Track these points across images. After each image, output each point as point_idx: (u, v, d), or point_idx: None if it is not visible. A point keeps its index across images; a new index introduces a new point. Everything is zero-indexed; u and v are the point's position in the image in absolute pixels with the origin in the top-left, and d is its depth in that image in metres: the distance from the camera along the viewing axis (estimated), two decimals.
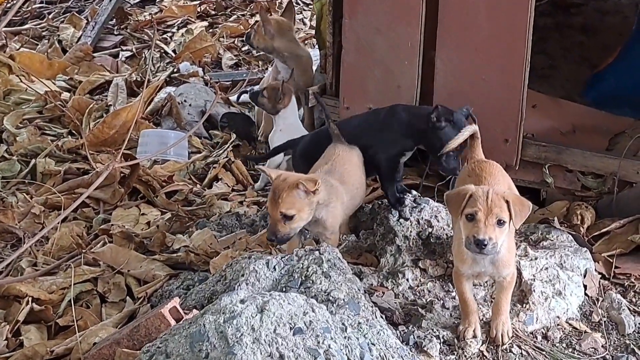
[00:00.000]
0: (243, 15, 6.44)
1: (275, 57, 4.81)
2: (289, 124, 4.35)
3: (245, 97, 4.83)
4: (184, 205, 4.14)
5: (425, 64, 4.15)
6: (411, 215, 3.44)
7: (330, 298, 2.82)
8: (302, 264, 2.94)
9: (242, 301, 2.50)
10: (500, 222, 2.72)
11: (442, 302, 3.13)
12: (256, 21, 6.09)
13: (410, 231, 3.41)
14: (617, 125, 4.14)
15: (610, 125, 4.10)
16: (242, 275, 2.93)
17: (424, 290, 3.18)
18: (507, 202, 2.73)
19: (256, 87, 5.00)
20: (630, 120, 4.17)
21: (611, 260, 3.50)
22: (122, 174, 4.24)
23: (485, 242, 2.69)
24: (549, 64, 5.06)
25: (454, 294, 3.11)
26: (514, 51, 3.89)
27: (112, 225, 3.90)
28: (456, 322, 3.01)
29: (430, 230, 3.41)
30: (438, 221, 3.46)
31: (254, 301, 2.49)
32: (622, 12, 5.75)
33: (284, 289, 2.86)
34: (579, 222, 3.70)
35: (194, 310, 2.82)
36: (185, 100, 5.01)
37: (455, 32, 4.03)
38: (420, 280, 3.21)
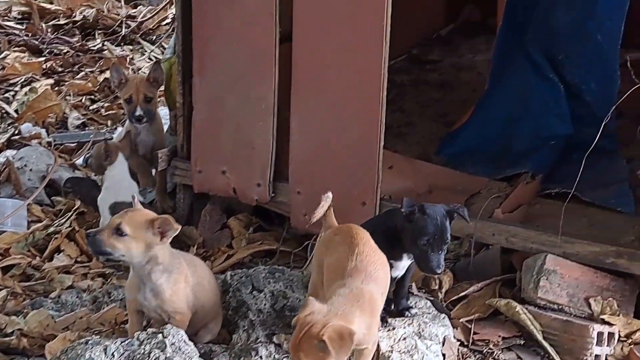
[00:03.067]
0: (92, 71, 6.25)
1: None
2: (115, 182, 4.22)
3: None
4: (21, 281, 3.91)
5: (280, 124, 4.10)
6: (265, 287, 3.34)
7: None
8: (144, 349, 2.78)
9: None
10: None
11: None
12: (105, 78, 5.97)
13: (265, 303, 3.30)
14: (472, 186, 4.15)
15: (466, 186, 4.11)
16: None
17: None
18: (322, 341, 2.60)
19: None
20: (485, 180, 4.19)
21: (469, 326, 3.48)
22: None
23: None
24: (405, 121, 5.08)
25: None
26: (369, 111, 3.87)
27: None
28: None
29: (285, 301, 3.31)
30: (293, 291, 3.37)
31: None
32: (476, 68, 5.87)
33: None
34: (437, 287, 3.68)
35: None
36: (25, 165, 4.79)
37: (309, 92, 3.99)
38: (274, 357, 3.09)
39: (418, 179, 4.17)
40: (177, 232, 3.00)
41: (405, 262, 3.32)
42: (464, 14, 6.75)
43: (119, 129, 5.17)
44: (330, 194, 3.23)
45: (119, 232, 2.97)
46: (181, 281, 3.10)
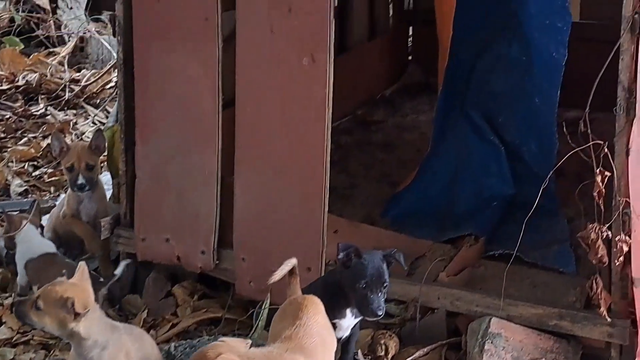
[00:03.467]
0: (35, 137, 6.21)
1: None
2: (28, 239, 4.26)
3: None
4: None
5: (224, 190, 4.10)
6: None
7: None
8: None
9: None
10: None
11: None
12: (48, 144, 5.93)
13: None
14: (417, 249, 4.18)
15: (411, 249, 4.13)
16: None
17: None
18: None
19: (46, 216, 4.79)
20: (429, 243, 4.23)
21: None
22: None
23: None
24: (350, 183, 5.12)
25: None
26: (313, 175, 3.89)
27: None
28: None
29: None
30: None
31: None
32: (420, 128, 5.94)
33: None
34: (383, 353, 3.67)
35: None
36: None
37: (253, 157, 4.01)
38: None
39: (363, 243, 4.17)
40: (87, 312, 2.97)
41: (349, 321, 3.33)
42: (407, 74, 6.85)
43: (62, 195, 5.13)
44: (294, 260, 3.23)
45: (36, 305, 2.96)
46: (120, 357, 3.06)
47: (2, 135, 6.26)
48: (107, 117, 6.33)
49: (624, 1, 3.46)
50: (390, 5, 6.83)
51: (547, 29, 3.91)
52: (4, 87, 6.88)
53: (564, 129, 3.64)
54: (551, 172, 3.83)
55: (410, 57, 7.01)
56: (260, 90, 3.96)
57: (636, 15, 3.44)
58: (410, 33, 7.07)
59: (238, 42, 3.98)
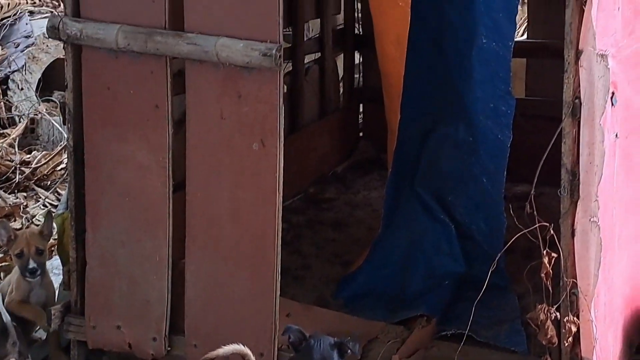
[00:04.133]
0: None
1: None
2: None
3: None
4: None
5: (175, 275, 4.10)
6: None
7: None
8: None
9: None
10: None
11: None
12: None
13: None
14: (369, 330, 4.18)
15: (363, 331, 4.14)
16: None
17: None
18: None
19: None
20: (381, 325, 4.24)
21: None
22: None
23: None
24: (302, 263, 5.13)
25: None
26: (264, 260, 3.91)
27: None
28: None
29: None
30: None
31: None
32: (371, 205, 5.99)
33: None
34: None
35: None
36: None
37: (204, 242, 4.02)
38: None
39: (316, 326, 4.18)
40: None
41: None
42: (358, 150, 6.92)
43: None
44: (244, 348, 3.24)
45: None
46: None
47: None
48: (58, 200, 6.32)
49: (564, 87, 3.56)
50: (341, 84, 6.91)
51: (491, 112, 4.01)
52: None
53: (512, 207, 3.73)
54: (500, 253, 3.88)
55: (361, 134, 7.08)
56: (210, 175, 3.99)
57: (576, 100, 3.54)
58: (361, 110, 7.14)
59: (188, 128, 4.01)
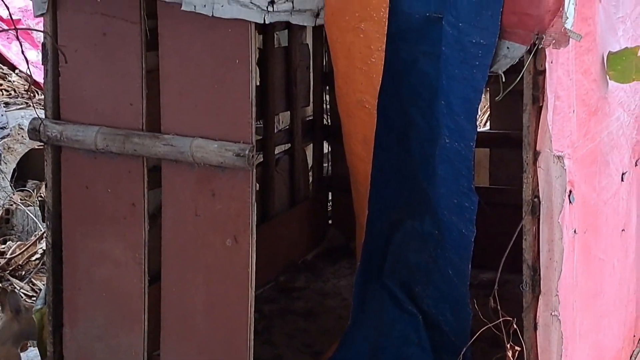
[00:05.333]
0: None
1: None
2: None
3: None
4: None
5: None
6: None
7: None
8: None
9: None
10: None
11: None
12: None
13: None
14: None
15: None
16: None
17: None
18: None
19: None
20: None
21: None
22: None
23: None
24: (274, 353, 5.19)
25: None
26: (237, 352, 3.98)
27: None
28: None
29: None
30: None
31: None
32: (341, 294, 6.07)
33: None
34: None
35: None
36: None
37: (178, 335, 4.10)
38: None
39: None
40: None
41: None
42: (327, 238, 7.02)
43: None
44: None
45: None
46: None
47: None
48: (33, 290, 6.37)
49: (524, 186, 3.72)
50: (310, 173, 7.04)
51: (455, 208, 4.11)
52: None
53: (479, 295, 3.85)
54: (467, 345, 3.99)
55: (330, 221, 7.19)
56: (185, 270, 4.09)
57: (535, 199, 3.69)
58: (330, 198, 7.25)
59: (164, 224, 4.12)
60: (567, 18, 3.51)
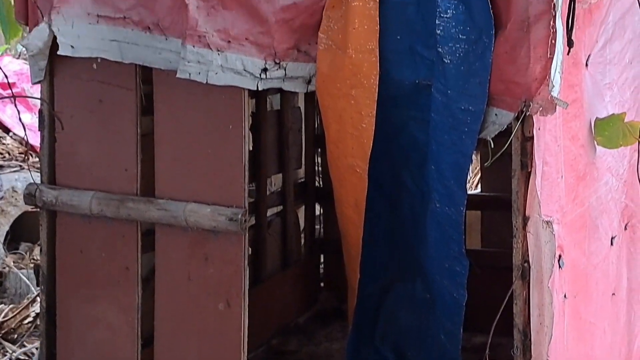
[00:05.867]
0: None
1: None
2: None
3: None
4: None
5: None
6: None
7: None
8: None
9: None
10: None
11: None
12: None
13: None
14: None
15: None
16: None
17: None
18: None
19: None
20: None
21: None
22: None
23: None
24: None
25: None
26: None
27: None
28: None
29: None
30: None
31: None
32: (333, 357, 6.05)
33: None
34: None
35: None
36: None
37: None
38: None
39: None
40: None
41: None
42: (319, 301, 7.02)
43: None
44: None
45: None
46: None
47: None
48: (25, 354, 6.34)
49: (514, 251, 3.75)
50: (302, 235, 7.06)
51: (446, 272, 4.15)
52: None
53: None
54: None
55: (322, 284, 7.19)
56: (178, 333, 4.11)
57: (525, 264, 3.73)
58: (322, 260, 7.26)
59: (157, 288, 4.15)
60: (554, 86, 3.58)
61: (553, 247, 3.73)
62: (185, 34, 3.80)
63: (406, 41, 3.86)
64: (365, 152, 4.14)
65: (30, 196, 4.29)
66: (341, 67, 3.96)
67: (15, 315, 6.82)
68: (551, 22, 3.51)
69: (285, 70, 3.92)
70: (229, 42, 3.81)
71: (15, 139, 8.77)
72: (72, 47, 4.02)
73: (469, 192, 4.80)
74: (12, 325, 6.77)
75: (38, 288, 5.94)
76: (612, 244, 4.45)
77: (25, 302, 6.97)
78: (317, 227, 7.18)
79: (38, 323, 4.89)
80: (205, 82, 3.82)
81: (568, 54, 3.63)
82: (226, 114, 3.91)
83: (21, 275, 7.37)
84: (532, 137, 3.65)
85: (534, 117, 3.63)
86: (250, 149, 5.57)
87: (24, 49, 4.14)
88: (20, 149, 8.54)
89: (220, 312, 3.98)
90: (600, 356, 4.44)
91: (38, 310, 5.18)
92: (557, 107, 3.63)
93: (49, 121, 4.31)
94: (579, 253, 4.06)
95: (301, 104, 6.66)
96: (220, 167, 3.96)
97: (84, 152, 4.25)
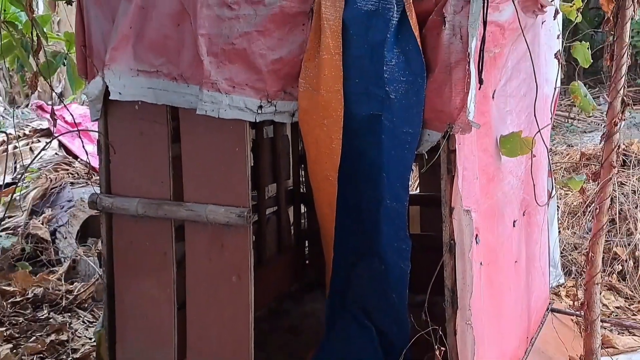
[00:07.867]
0: (41, 335, 6.05)
1: None
2: None
3: None
4: None
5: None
6: None
7: None
8: None
9: None
10: None
11: None
12: (51, 340, 5.81)
13: None
14: None
15: None
16: None
17: None
18: None
19: None
20: None
21: None
22: None
23: None
24: (266, 358, 5.09)
25: None
26: (241, 354, 3.93)
27: None
28: None
29: None
30: None
31: None
32: (317, 315, 5.97)
33: None
34: None
35: None
36: None
37: (198, 345, 4.03)
38: None
39: None
40: None
41: None
42: (306, 275, 6.96)
43: None
44: None
45: None
46: None
47: (17, 334, 6.09)
48: (94, 318, 6.26)
49: (444, 232, 3.72)
50: (292, 228, 7.01)
51: (396, 250, 4.09)
52: (18, 299, 6.75)
53: (415, 312, 3.84)
54: (407, 346, 3.95)
55: (307, 262, 7.13)
56: (203, 300, 4.05)
57: (452, 241, 3.70)
58: (307, 246, 7.21)
59: (187, 268, 4.09)
60: (470, 113, 3.56)
61: (471, 229, 3.70)
62: (202, 82, 3.76)
63: (362, 84, 3.82)
64: (335, 166, 4.10)
65: (93, 203, 4.23)
66: (316, 104, 3.92)
67: (86, 290, 6.75)
68: (467, 67, 3.50)
69: (275, 107, 3.89)
70: (234, 87, 3.77)
71: (81, 163, 8.71)
72: (120, 93, 3.98)
73: (411, 192, 4.77)
74: (84, 298, 6.70)
75: (101, 269, 5.87)
76: (514, 226, 4.45)
77: (92, 280, 6.91)
78: (302, 221, 7.14)
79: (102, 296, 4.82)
80: (217, 117, 3.79)
81: (479, 89, 3.61)
82: (233, 140, 3.87)
83: (89, 261, 7.30)
84: (455, 150, 3.63)
85: (456, 136, 3.62)
86: (252, 165, 5.53)
87: (85, 96, 4.08)
88: (85, 170, 8.47)
89: (233, 284, 3.94)
90: (507, 308, 4.42)
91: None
92: (473, 128, 3.61)
93: (105, 148, 4.25)
94: (490, 233, 4.04)
95: (288, 132, 6.62)
96: (230, 179, 3.92)
97: (130, 170, 4.19)
